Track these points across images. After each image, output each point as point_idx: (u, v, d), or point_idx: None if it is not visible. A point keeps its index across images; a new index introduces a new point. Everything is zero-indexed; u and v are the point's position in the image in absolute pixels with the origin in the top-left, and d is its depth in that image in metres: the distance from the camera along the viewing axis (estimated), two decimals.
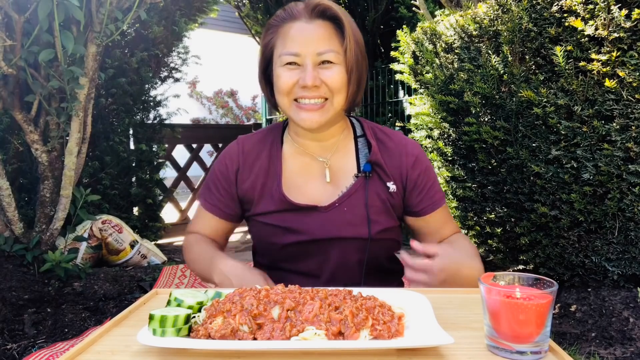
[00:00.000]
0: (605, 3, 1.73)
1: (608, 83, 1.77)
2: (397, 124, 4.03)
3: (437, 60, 2.47)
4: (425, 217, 1.24)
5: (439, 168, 2.73)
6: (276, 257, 1.22)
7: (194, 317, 0.81)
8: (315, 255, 1.19)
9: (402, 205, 1.24)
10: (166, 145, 4.26)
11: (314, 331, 0.74)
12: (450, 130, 2.52)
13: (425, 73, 2.57)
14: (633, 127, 1.78)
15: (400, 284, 1.36)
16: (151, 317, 0.76)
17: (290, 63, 1.10)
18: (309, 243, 1.18)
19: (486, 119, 2.24)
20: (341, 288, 0.88)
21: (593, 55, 1.78)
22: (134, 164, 3.54)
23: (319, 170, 1.22)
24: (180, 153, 4.88)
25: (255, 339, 0.75)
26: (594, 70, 1.80)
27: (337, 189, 1.20)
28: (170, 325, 0.76)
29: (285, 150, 1.25)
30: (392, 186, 1.20)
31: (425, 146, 2.78)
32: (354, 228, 1.16)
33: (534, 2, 1.94)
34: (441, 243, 1.22)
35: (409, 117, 3.17)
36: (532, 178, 2.10)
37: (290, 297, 0.79)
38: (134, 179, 3.60)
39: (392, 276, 1.30)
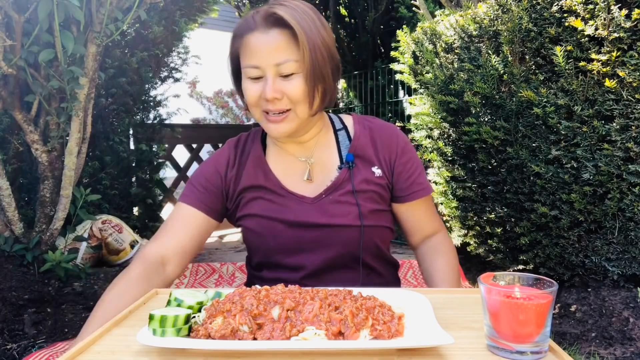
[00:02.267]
0: (605, 3, 1.73)
1: (608, 83, 1.77)
2: (397, 124, 4.03)
3: (437, 60, 2.47)
4: (411, 204, 1.25)
5: (439, 168, 2.72)
6: (269, 251, 1.22)
7: (194, 317, 0.81)
8: (309, 245, 1.19)
9: (389, 189, 1.25)
10: (166, 145, 4.26)
11: (314, 331, 0.74)
12: (450, 130, 2.52)
13: (425, 73, 2.57)
14: (633, 127, 1.78)
15: (396, 281, 1.36)
16: (151, 317, 0.76)
17: (253, 76, 1.10)
18: (301, 229, 1.18)
19: (486, 119, 2.24)
20: (341, 288, 0.88)
21: (593, 55, 1.78)
22: (134, 164, 3.54)
23: (301, 170, 1.23)
24: (180, 153, 4.88)
25: (255, 339, 0.75)
26: (594, 70, 1.80)
27: (322, 184, 1.21)
28: (170, 325, 0.76)
29: (268, 152, 1.26)
30: (377, 170, 1.22)
31: (425, 146, 2.78)
32: (344, 217, 1.17)
33: (534, 2, 1.94)
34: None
35: (409, 117, 3.17)
36: (532, 178, 2.10)
37: (290, 297, 0.79)
38: (134, 179, 3.60)
39: (388, 266, 1.31)
